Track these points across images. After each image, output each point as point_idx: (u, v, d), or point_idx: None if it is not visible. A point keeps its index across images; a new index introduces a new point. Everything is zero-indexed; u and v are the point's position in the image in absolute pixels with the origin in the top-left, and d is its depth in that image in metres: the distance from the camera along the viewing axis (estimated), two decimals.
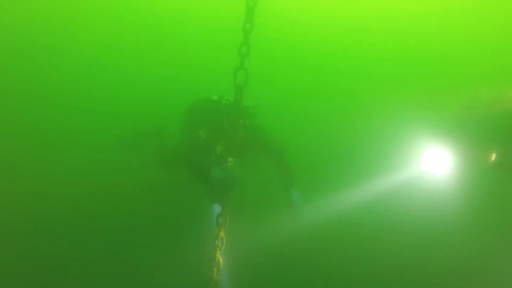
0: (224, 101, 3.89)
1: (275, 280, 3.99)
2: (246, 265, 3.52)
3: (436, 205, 4.65)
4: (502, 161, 3.53)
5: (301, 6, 8.82)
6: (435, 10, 8.26)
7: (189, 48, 8.43)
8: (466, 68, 7.25)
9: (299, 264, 4.15)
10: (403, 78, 7.60)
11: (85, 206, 4.54)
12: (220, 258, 2.13)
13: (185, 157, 3.54)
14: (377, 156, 5.41)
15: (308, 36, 8.76)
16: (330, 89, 7.72)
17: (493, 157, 3.57)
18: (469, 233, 4.30)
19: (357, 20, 8.70)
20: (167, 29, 8.68)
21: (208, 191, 3.15)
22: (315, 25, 8.85)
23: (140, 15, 8.63)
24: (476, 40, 7.97)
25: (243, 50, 1.95)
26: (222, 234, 2.12)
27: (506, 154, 3.55)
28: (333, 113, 6.90)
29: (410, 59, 8.21)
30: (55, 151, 5.63)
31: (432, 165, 4.40)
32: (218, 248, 2.13)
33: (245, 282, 3.59)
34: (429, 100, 5.82)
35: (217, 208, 2.36)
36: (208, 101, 3.96)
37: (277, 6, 7.51)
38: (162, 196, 4.66)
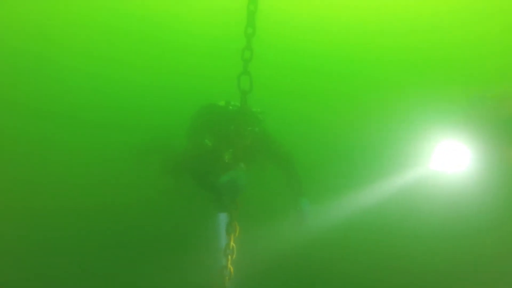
0: (231, 107, 3.78)
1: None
2: (254, 273, 3.45)
3: (452, 206, 4.49)
4: None
5: (302, 8, 8.81)
6: (436, 11, 8.26)
7: (191, 54, 8.45)
8: (475, 67, 7.18)
9: (308, 272, 4.07)
10: (408, 79, 7.52)
11: (89, 216, 4.52)
12: (231, 267, 2.10)
13: (190, 165, 3.48)
14: (389, 158, 5.29)
15: (310, 39, 8.73)
16: (336, 92, 7.65)
17: None
18: (487, 236, 4.14)
19: (360, 23, 8.67)
20: (169, 35, 8.73)
21: (214, 200, 3.09)
22: (317, 28, 8.82)
23: (142, 22, 8.70)
24: (480, 40, 7.91)
25: (246, 54, 1.92)
26: (232, 242, 2.08)
27: None
28: (341, 116, 6.83)
29: (413, 60, 8.15)
30: (59, 162, 5.65)
31: (448, 164, 4.29)
32: (229, 257, 2.09)
33: None
34: (439, 98, 5.74)
35: (224, 217, 2.32)
36: (214, 107, 3.87)
37: (278, 9, 7.52)
38: (169, 205, 4.62)
